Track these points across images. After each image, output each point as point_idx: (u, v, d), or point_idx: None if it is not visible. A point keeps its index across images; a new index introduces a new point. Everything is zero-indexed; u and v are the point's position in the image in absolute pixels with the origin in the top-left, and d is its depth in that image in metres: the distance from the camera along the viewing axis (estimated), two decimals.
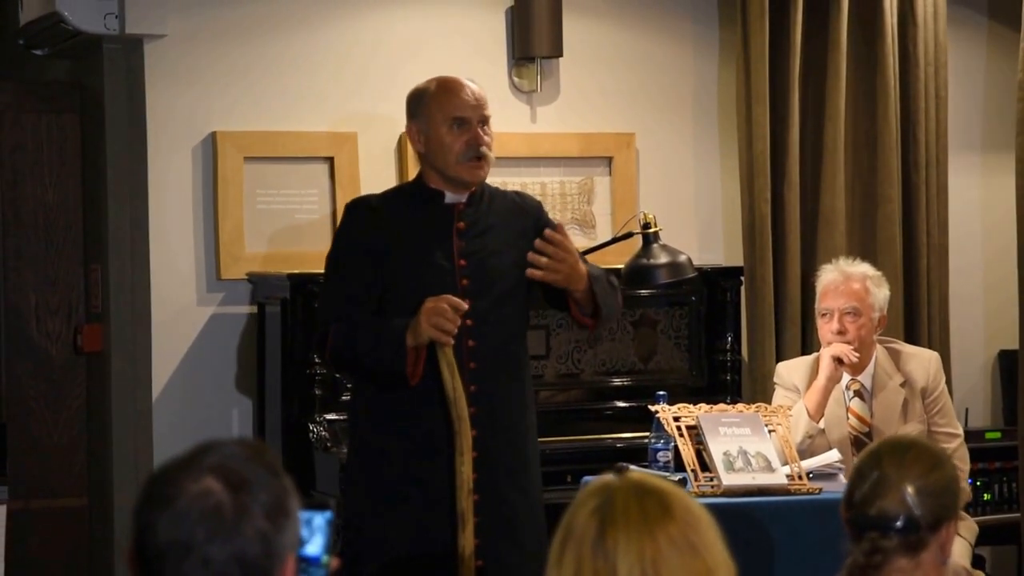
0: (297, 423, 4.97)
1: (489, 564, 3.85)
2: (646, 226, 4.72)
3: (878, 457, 2.69)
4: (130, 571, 1.92)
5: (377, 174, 5.33)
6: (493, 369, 3.90)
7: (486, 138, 3.93)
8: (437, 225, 3.95)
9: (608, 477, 2.19)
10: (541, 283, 3.92)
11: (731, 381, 5.38)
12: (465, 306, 3.80)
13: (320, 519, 2.03)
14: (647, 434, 4.38)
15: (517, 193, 4.16)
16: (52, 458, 5.69)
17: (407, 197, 4.03)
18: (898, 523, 2.62)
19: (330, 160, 5.29)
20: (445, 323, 3.76)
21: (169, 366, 5.23)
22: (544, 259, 3.83)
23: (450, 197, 3.97)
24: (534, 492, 3.97)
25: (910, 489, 2.63)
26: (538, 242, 3.85)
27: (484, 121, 3.94)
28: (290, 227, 5.28)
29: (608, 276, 4.01)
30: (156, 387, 5.22)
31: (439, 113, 3.93)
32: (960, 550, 4.60)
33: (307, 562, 2.01)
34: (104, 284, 5.48)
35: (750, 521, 4.01)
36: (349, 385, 4.34)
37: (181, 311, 5.23)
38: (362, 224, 3.97)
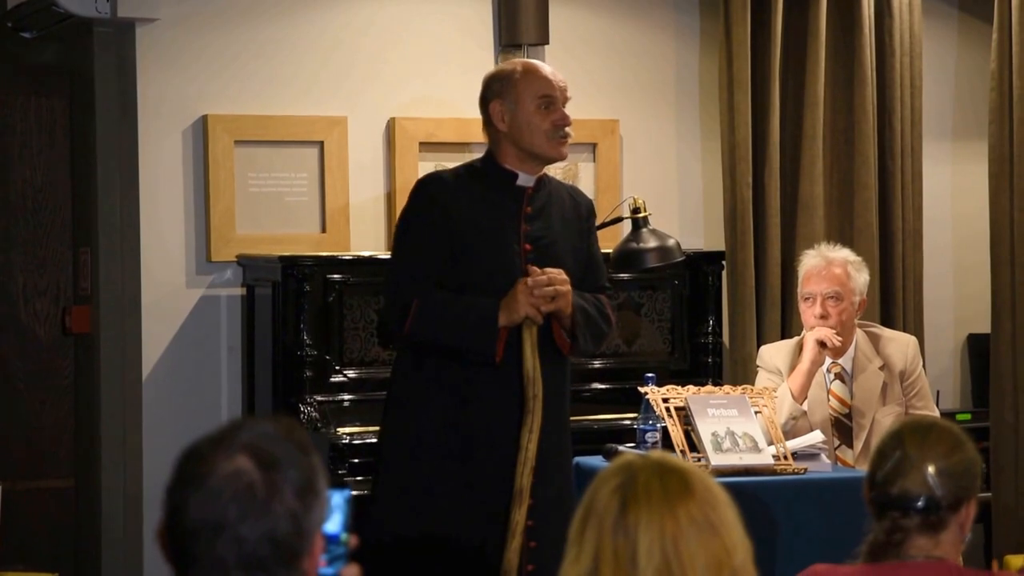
0: (287, 404, 5.01)
1: (542, 542, 3.92)
2: (636, 211, 4.81)
3: (900, 437, 2.71)
4: (161, 549, 1.94)
5: (366, 158, 5.39)
6: (549, 352, 3.99)
7: (567, 117, 4.05)
8: (507, 207, 4.03)
9: (630, 456, 2.25)
10: None
11: (712, 364, 5.46)
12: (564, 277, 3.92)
13: (339, 497, 2.05)
14: (630, 415, 4.45)
15: (575, 189, 4.27)
16: (40, 439, 5.72)
17: (480, 175, 4.08)
18: (919, 503, 2.64)
19: (320, 144, 5.34)
20: (541, 302, 3.89)
21: (158, 348, 5.26)
22: (550, 291, 3.93)
23: (522, 179, 4.05)
24: (570, 472, 4.11)
25: (932, 469, 2.66)
26: (533, 282, 3.93)
27: (566, 103, 4.06)
28: (280, 210, 5.32)
29: (601, 308, 4.10)
30: (145, 368, 5.25)
31: (528, 92, 4.02)
32: None
33: (326, 540, 2.02)
34: (93, 266, 5.50)
35: (736, 500, 4.09)
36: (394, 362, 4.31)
37: (171, 293, 5.26)
38: (436, 201, 4.01)
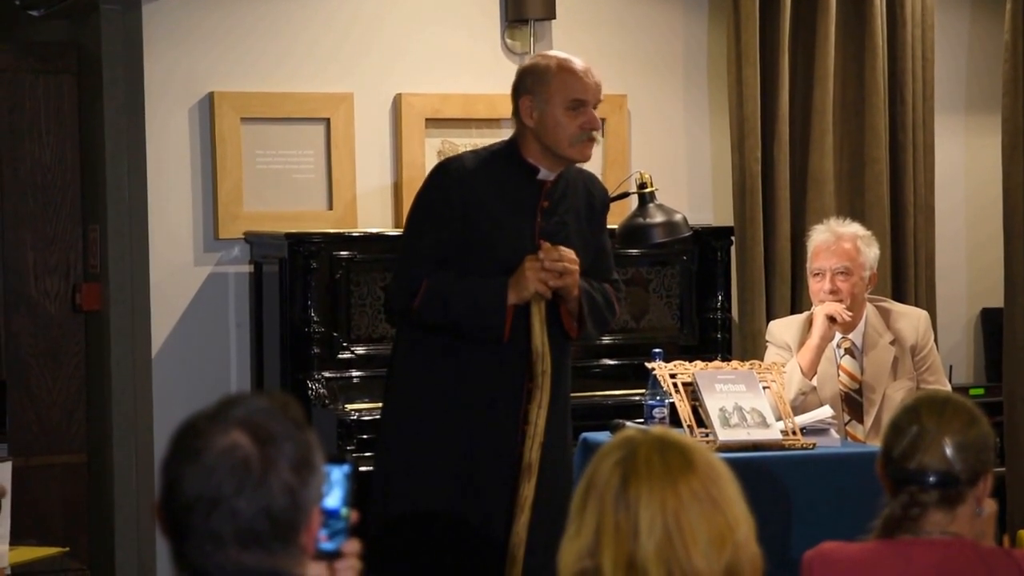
0: (295, 381, 5.02)
1: (544, 516, 3.93)
2: (642, 186, 4.79)
3: (916, 412, 2.71)
4: (158, 523, 1.95)
5: (373, 135, 5.38)
6: (555, 334, 4.00)
7: (597, 121, 4.02)
8: (525, 200, 4.02)
9: (631, 431, 2.25)
10: None
11: (721, 339, 5.45)
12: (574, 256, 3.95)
13: (339, 472, 2.06)
14: (638, 391, 4.45)
15: (591, 178, 4.22)
16: (51, 415, 5.74)
17: (502, 163, 4.05)
18: (937, 477, 2.65)
19: (326, 121, 5.33)
20: (550, 277, 3.91)
21: (167, 325, 5.27)
22: (559, 266, 3.93)
23: (543, 174, 4.04)
24: (571, 448, 4.14)
25: (949, 444, 2.66)
26: (545, 254, 3.93)
27: (598, 104, 4.04)
28: (287, 187, 5.32)
29: (607, 297, 4.12)
30: (155, 345, 5.26)
31: (559, 94, 3.99)
32: None
33: (326, 515, 2.04)
34: (102, 243, 5.52)
35: (744, 475, 4.09)
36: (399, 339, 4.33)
37: (179, 270, 5.27)
38: (455, 185, 3.99)
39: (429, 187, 4.05)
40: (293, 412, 1.97)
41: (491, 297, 3.91)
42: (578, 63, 4.04)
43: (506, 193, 4.00)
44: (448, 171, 4.03)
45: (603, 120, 5.54)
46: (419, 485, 3.99)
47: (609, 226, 4.94)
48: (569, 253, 3.96)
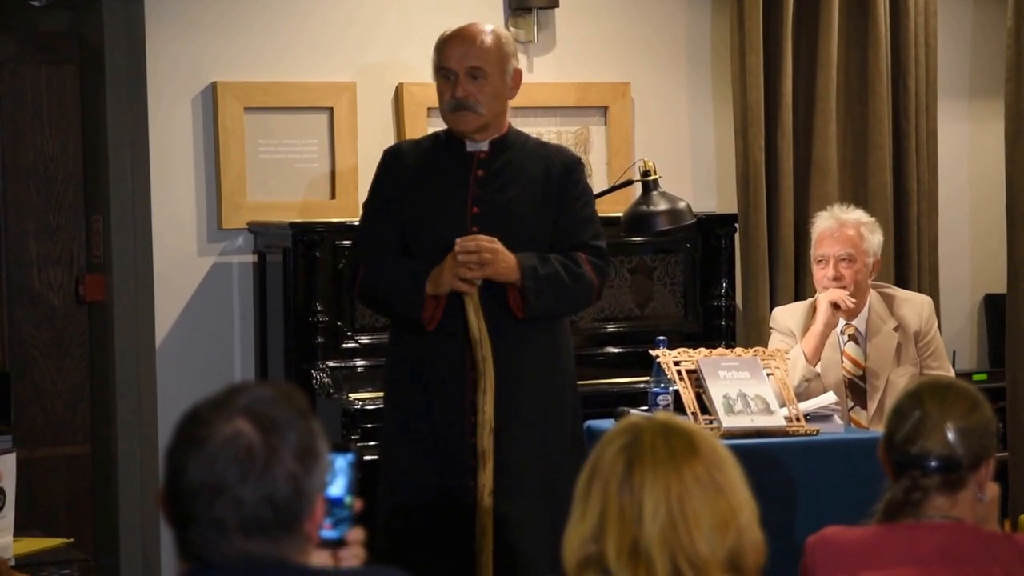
0: (299, 370, 5.03)
1: (505, 503, 3.93)
2: (646, 173, 4.80)
3: (919, 397, 2.71)
4: (162, 512, 1.95)
5: (376, 124, 5.38)
6: (504, 315, 3.97)
7: (470, 88, 3.98)
8: (456, 172, 4.04)
9: (636, 417, 2.25)
10: None
11: (725, 327, 5.45)
12: (492, 245, 3.90)
13: (343, 461, 2.06)
14: (643, 379, 4.45)
15: (558, 148, 4.20)
16: (55, 407, 5.74)
17: (437, 144, 4.12)
18: (939, 462, 2.65)
19: (330, 110, 5.33)
20: (467, 272, 3.87)
21: (171, 315, 5.27)
22: (473, 258, 3.90)
23: (471, 145, 4.05)
24: (558, 436, 4.04)
25: (951, 428, 2.66)
26: (459, 248, 3.91)
27: (473, 72, 3.99)
28: (291, 177, 5.32)
29: (571, 267, 4.00)
30: (158, 336, 5.26)
31: (433, 63, 4.07)
32: None
33: (330, 503, 2.04)
34: (106, 234, 5.52)
35: (748, 462, 4.10)
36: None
37: (183, 260, 5.27)
38: (390, 169, 4.09)
39: (375, 175, 4.16)
40: (297, 401, 1.97)
41: (412, 286, 3.94)
42: (454, 32, 4.04)
43: (438, 168, 4.04)
44: (385, 156, 4.15)
45: (606, 108, 5.61)
46: (399, 474, 4.02)
47: (613, 214, 4.98)
48: (489, 242, 3.91)
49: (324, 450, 1.96)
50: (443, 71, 4.01)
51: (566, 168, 4.07)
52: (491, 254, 3.89)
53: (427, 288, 3.92)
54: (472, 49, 3.99)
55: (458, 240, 3.91)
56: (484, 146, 4.04)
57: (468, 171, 4.03)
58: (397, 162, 4.09)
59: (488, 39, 4.02)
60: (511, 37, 4.14)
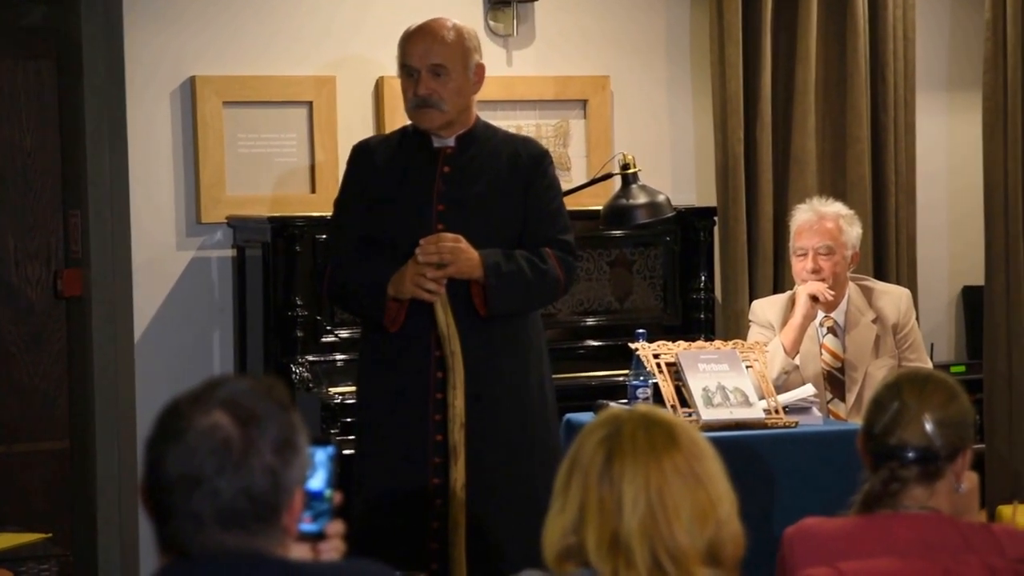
0: (279, 364, 5.02)
1: (478, 497, 3.93)
2: (625, 167, 4.80)
3: (897, 388, 2.72)
4: (143, 504, 1.95)
5: (355, 118, 5.37)
6: (471, 310, 3.96)
7: (433, 85, 3.97)
8: (423, 168, 4.03)
9: (616, 409, 2.26)
10: None
11: (704, 319, 5.46)
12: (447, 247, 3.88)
13: (322, 454, 2.07)
14: (622, 372, 4.45)
15: (525, 141, 4.18)
16: (34, 402, 5.73)
17: (405, 139, 4.11)
18: (917, 453, 2.66)
19: (309, 104, 5.32)
20: (427, 283, 3.88)
21: (150, 310, 5.26)
22: (433, 257, 3.90)
23: (437, 141, 4.05)
24: (529, 430, 4.04)
25: (929, 420, 2.67)
26: (419, 250, 3.90)
27: (435, 70, 3.98)
28: (270, 171, 5.31)
29: (537, 263, 3.99)
30: (137, 331, 5.25)
31: (398, 60, 4.07)
32: None
33: (310, 496, 2.05)
34: (84, 229, 5.50)
35: (727, 454, 4.11)
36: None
37: (161, 255, 5.26)
38: (358, 166, 4.09)
39: (345, 172, 4.17)
40: (278, 393, 1.97)
41: (373, 289, 3.95)
42: (416, 28, 4.04)
43: (405, 164, 4.04)
44: (353, 152, 4.15)
45: (585, 101, 5.61)
46: (365, 466, 4.03)
47: (592, 207, 4.98)
48: (452, 241, 3.90)
49: (303, 443, 1.96)
50: (406, 68, 4.01)
51: (533, 160, 4.06)
52: (452, 253, 3.89)
53: (389, 291, 3.92)
54: (434, 46, 3.99)
55: (421, 241, 3.90)
56: (451, 142, 4.04)
57: (434, 168, 4.02)
58: (365, 158, 4.09)
59: (450, 35, 4.01)
60: (474, 32, 4.11)
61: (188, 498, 1.89)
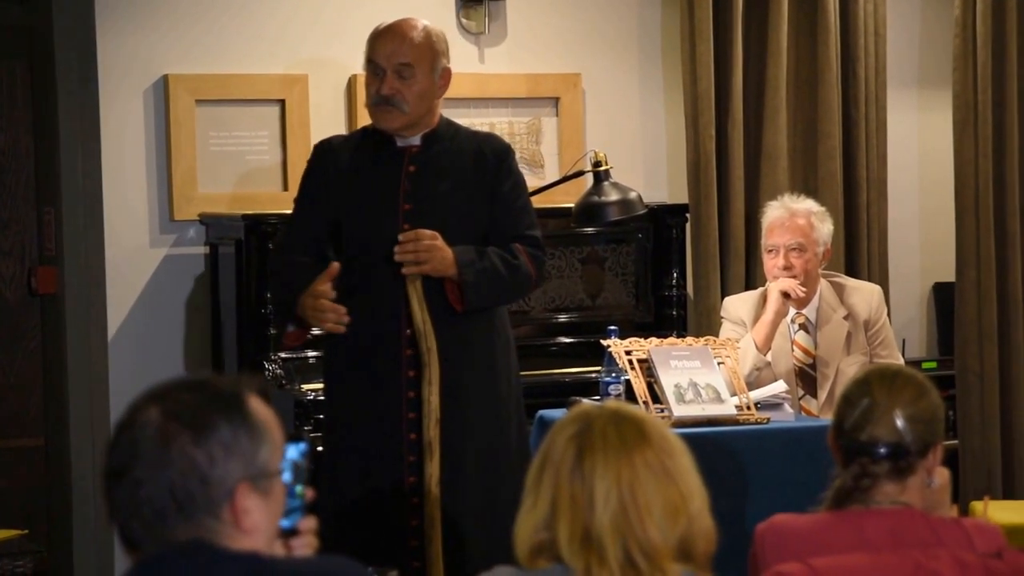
0: (252, 362, 5.03)
1: (452, 492, 3.94)
2: (597, 164, 4.82)
3: (867, 384, 2.73)
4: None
5: (327, 116, 5.38)
6: (444, 306, 3.98)
7: (397, 85, 3.96)
8: (388, 168, 4.03)
9: (586, 405, 2.27)
10: None
11: (677, 316, 5.47)
12: (330, 294, 3.90)
13: (294, 450, 2.06)
14: (594, 369, 4.46)
15: (488, 137, 4.17)
16: (8, 400, 5.72)
17: (368, 139, 4.10)
18: (888, 449, 2.67)
19: (281, 103, 5.33)
20: (324, 317, 3.89)
21: (124, 307, 5.26)
22: (410, 256, 3.91)
23: (401, 141, 4.04)
24: (502, 425, 4.05)
25: (900, 415, 2.68)
26: (399, 246, 3.91)
27: (401, 70, 3.97)
28: (242, 169, 5.32)
29: (508, 259, 4.00)
30: (111, 328, 5.25)
31: (365, 55, 4.05)
32: None
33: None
34: (57, 227, 5.50)
35: (699, 450, 4.12)
36: None
37: (135, 252, 5.26)
38: (321, 165, 4.08)
39: (304, 171, 4.16)
40: (227, 389, 1.97)
41: (284, 307, 3.99)
42: (385, 27, 4.03)
43: (370, 164, 4.03)
44: (315, 151, 4.14)
45: (557, 99, 5.62)
46: (338, 465, 4.02)
47: (564, 205, 5.00)
48: (430, 237, 3.91)
49: (245, 439, 1.94)
50: (372, 64, 4.00)
51: (497, 156, 4.06)
52: (428, 252, 3.90)
53: (297, 311, 3.93)
54: (402, 46, 3.98)
55: (400, 238, 3.90)
56: (416, 140, 4.04)
57: (400, 167, 4.02)
58: (327, 157, 4.07)
59: (419, 36, 4.00)
60: (443, 35, 4.09)
61: (117, 490, 1.92)
